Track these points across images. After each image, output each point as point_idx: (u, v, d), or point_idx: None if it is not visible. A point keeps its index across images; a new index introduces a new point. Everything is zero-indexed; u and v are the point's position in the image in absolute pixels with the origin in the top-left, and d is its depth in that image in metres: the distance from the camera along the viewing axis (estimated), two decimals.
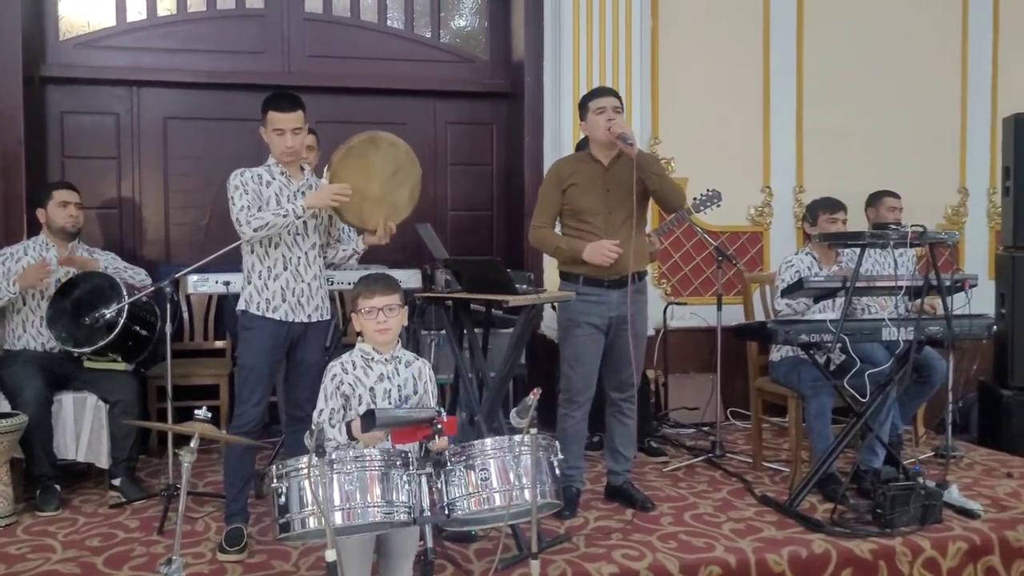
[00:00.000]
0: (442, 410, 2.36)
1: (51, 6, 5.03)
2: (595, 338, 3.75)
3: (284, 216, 3.27)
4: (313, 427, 2.21)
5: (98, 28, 5.13)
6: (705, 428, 5.20)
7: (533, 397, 2.32)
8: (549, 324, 4.74)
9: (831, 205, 4.45)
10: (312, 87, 5.23)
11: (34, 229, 4.38)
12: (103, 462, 4.04)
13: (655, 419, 5.13)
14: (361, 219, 3.47)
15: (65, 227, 4.16)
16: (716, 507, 3.88)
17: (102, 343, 3.93)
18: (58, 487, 3.89)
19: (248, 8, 5.33)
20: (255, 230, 3.25)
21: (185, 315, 5.04)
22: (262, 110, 3.42)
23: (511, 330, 4.50)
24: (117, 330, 3.92)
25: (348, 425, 2.57)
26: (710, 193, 4.46)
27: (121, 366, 4.12)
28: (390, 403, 2.69)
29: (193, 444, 2.30)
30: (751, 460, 4.53)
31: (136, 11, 5.18)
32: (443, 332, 4.43)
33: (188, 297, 4.98)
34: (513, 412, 2.40)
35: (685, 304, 5.35)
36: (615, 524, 3.65)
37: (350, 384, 2.68)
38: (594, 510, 3.83)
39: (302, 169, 3.52)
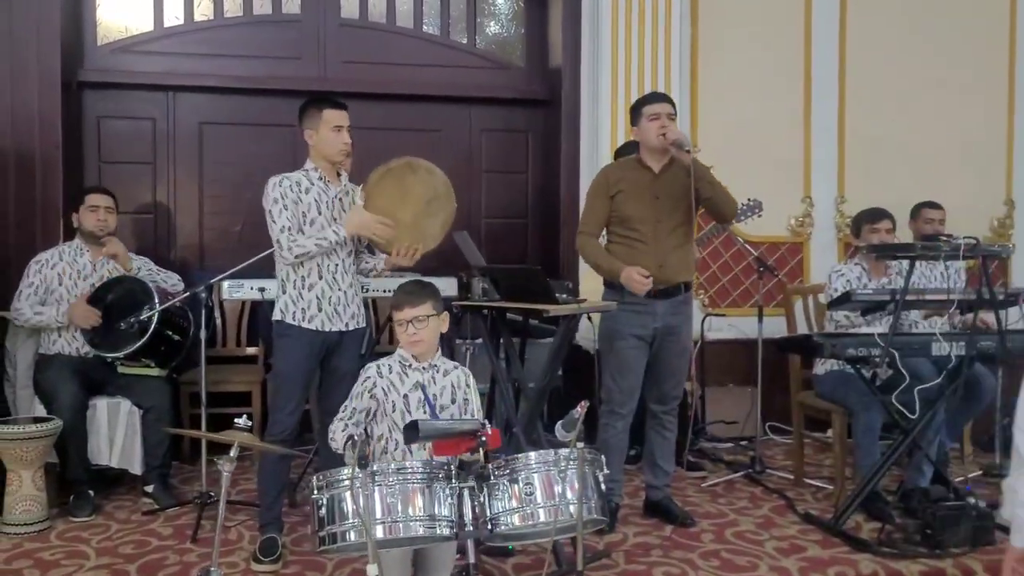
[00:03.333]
0: (486, 422, 2.29)
1: (89, 12, 5.04)
2: (639, 349, 3.67)
3: (327, 246, 3.26)
4: (356, 438, 2.14)
5: (136, 33, 5.13)
6: (743, 443, 5.10)
7: (580, 410, 2.25)
8: (584, 335, 4.66)
9: (872, 215, 4.31)
10: (347, 93, 5.14)
11: (71, 234, 4.38)
12: (136, 468, 4.02)
13: (692, 433, 5.03)
14: (388, 241, 3.42)
15: (93, 231, 4.14)
16: (758, 524, 3.78)
17: (133, 348, 3.91)
18: (92, 493, 3.87)
19: (284, 13, 5.32)
20: (296, 256, 3.23)
21: (218, 321, 5.01)
22: (310, 111, 3.37)
23: (547, 340, 4.46)
24: (148, 335, 3.90)
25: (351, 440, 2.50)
26: (751, 203, 4.39)
27: (155, 372, 4.10)
28: (424, 412, 2.63)
29: (232, 453, 2.24)
30: (792, 476, 4.42)
31: (173, 16, 5.18)
32: (479, 341, 4.38)
33: (221, 303, 4.96)
34: (559, 425, 2.32)
35: (724, 316, 5.24)
36: (655, 540, 3.56)
37: (383, 389, 2.63)
38: (633, 525, 3.75)
39: (339, 175, 3.48)
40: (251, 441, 2.25)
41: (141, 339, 3.90)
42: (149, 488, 3.99)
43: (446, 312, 2.76)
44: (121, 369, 4.07)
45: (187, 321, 4.21)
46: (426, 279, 3.65)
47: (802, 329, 4.54)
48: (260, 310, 5.01)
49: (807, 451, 4.69)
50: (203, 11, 5.22)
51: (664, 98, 3.67)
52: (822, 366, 4.21)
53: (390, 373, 2.66)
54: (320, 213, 3.34)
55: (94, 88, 5.04)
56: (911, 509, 3.72)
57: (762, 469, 4.49)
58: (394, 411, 2.63)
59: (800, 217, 5.50)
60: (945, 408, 4.03)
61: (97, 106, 5.07)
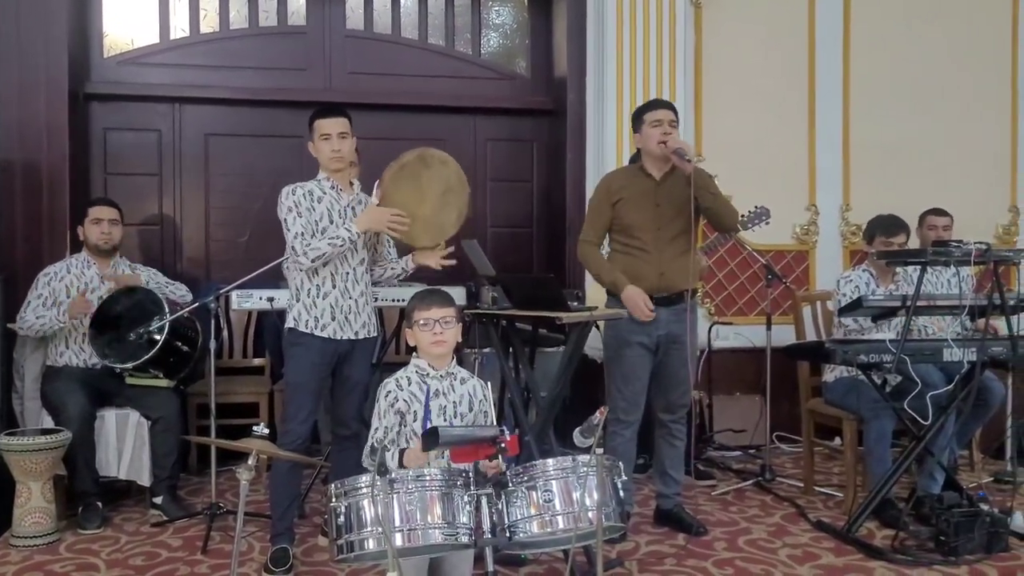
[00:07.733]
0: (505, 428, 2.28)
1: (96, 24, 5.05)
2: (644, 358, 3.66)
3: (341, 245, 3.24)
4: (375, 443, 2.13)
5: (142, 46, 5.14)
6: (751, 451, 5.08)
7: (600, 416, 2.24)
8: (591, 343, 4.64)
9: (889, 228, 4.23)
10: (353, 104, 5.14)
11: (78, 246, 4.37)
12: (144, 480, 4.00)
13: (700, 441, 5.02)
14: (410, 238, 3.42)
15: (98, 244, 4.13)
16: (770, 532, 3.76)
17: (144, 359, 3.88)
18: (100, 504, 3.85)
19: (290, 25, 5.32)
20: (312, 260, 3.22)
21: (225, 332, 5.00)
22: (309, 125, 3.39)
23: (555, 349, 4.44)
24: (159, 346, 3.87)
25: (401, 452, 2.49)
26: (759, 210, 4.37)
27: (163, 383, 4.08)
28: (445, 420, 2.62)
29: (251, 462, 2.22)
30: (802, 484, 4.40)
31: (179, 29, 5.19)
32: (487, 350, 4.36)
33: (228, 314, 4.95)
34: (577, 431, 2.32)
35: (731, 324, 5.23)
36: (668, 549, 3.55)
37: (405, 400, 2.61)
38: (644, 534, 3.73)
39: (351, 184, 3.48)
40: (269, 449, 2.23)
41: (151, 350, 3.87)
42: (157, 500, 3.96)
43: (461, 323, 2.76)
44: (129, 380, 4.05)
45: (195, 332, 4.19)
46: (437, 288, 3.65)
47: (810, 337, 4.53)
48: (266, 321, 5.00)
49: (815, 459, 4.68)
50: (209, 23, 5.23)
51: (666, 105, 3.66)
52: (831, 373, 4.20)
53: (409, 385, 2.65)
54: (332, 222, 3.33)
55: (101, 100, 5.04)
56: (924, 516, 3.71)
57: (772, 477, 4.47)
58: (415, 421, 2.61)
59: (805, 225, 5.50)
60: (957, 414, 4.03)
61: (103, 118, 5.07)
